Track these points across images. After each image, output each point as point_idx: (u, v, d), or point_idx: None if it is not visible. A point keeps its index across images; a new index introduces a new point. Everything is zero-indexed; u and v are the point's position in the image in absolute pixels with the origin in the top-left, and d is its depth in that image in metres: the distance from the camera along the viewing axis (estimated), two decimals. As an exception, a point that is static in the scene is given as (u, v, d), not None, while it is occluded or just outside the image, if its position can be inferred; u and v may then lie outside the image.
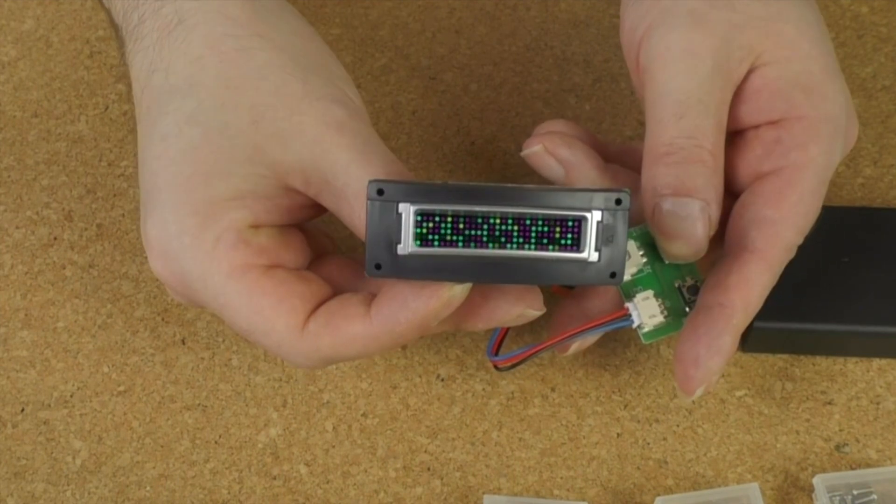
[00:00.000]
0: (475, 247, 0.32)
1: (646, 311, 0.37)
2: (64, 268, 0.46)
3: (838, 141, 0.37)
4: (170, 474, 0.42)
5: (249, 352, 0.44)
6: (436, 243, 0.32)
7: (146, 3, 0.37)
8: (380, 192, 0.32)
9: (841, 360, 0.44)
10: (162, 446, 0.42)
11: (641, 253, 0.38)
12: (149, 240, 0.35)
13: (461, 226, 0.32)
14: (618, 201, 0.32)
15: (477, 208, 0.32)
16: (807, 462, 0.42)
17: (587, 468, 0.42)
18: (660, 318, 0.37)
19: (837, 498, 0.40)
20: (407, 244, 0.32)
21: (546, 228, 0.32)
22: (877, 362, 0.44)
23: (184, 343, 0.45)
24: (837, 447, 0.42)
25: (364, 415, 0.43)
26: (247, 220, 0.35)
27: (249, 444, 0.42)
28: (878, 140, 0.49)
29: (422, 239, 0.32)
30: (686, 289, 0.38)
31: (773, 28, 0.37)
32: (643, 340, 0.38)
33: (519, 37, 0.53)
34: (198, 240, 0.34)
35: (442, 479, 0.42)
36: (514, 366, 0.39)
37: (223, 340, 0.44)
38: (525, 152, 0.40)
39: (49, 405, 0.43)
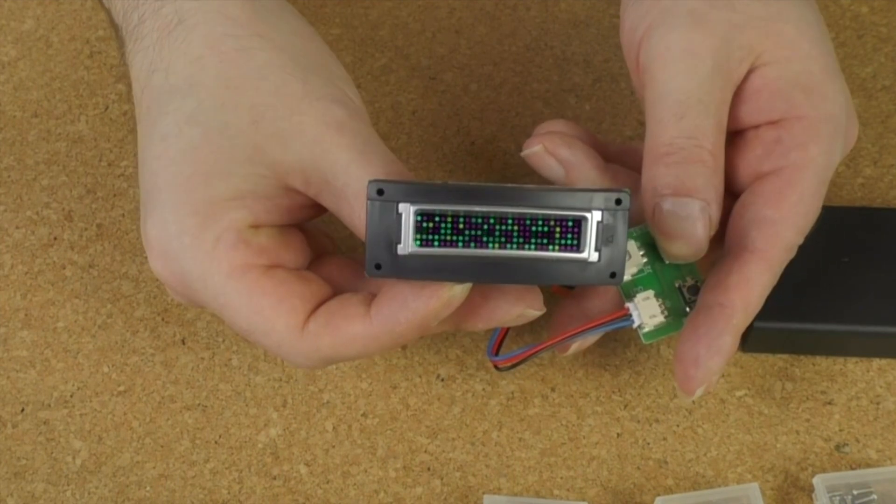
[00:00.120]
0: (475, 247, 0.32)
1: (646, 311, 0.37)
2: (64, 268, 0.46)
3: (838, 141, 0.37)
4: (170, 474, 0.42)
5: (249, 352, 0.44)
6: (436, 243, 0.32)
7: (146, 3, 0.37)
8: (380, 192, 0.32)
9: (841, 360, 0.44)
10: (162, 446, 0.42)
11: (642, 253, 0.38)
12: (149, 240, 0.35)
13: (461, 226, 0.32)
14: (618, 201, 0.32)
15: (477, 208, 0.32)
16: (807, 462, 0.42)
17: (587, 468, 0.42)
18: (660, 318, 0.37)
19: (837, 498, 0.40)
20: (407, 244, 0.32)
21: (546, 228, 0.32)
22: (877, 362, 0.44)
23: (184, 343, 0.45)
24: (837, 447, 0.42)
25: (364, 415, 0.43)
26: (247, 220, 0.35)
27: (249, 444, 0.42)
28: (878, 140, 0.49)
29: (422, 239, 0.32)
30: (686, 289, 0.38)
31: (773, 28, 0.37)
32: (643, 340, 0.38)
33: (519, 37, 0.53)
34: (198, 240, 0.34)
35: (442, 479, 0.42)
36: (514, 366, 0.39)
37: (223, 340, 0.44)
38: (525, 152, 0.40)
39: (49, 405, 0.43)
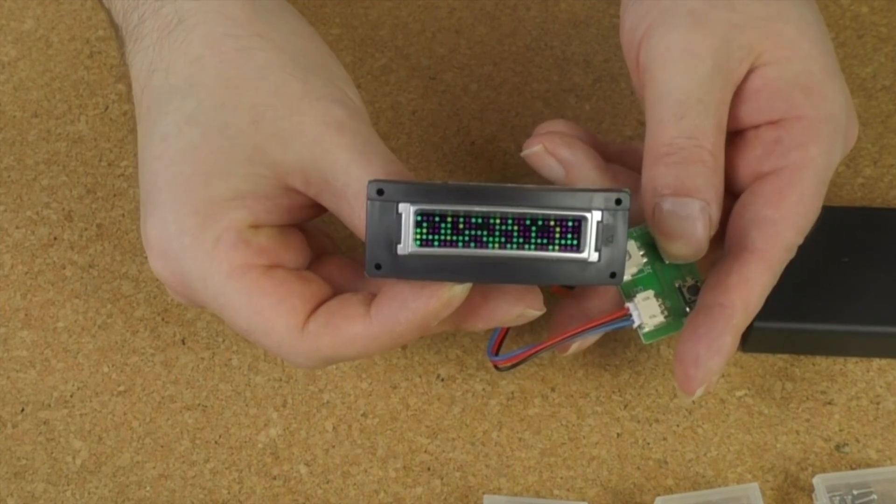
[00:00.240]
0: (475, 247, 0.32)
1: (646, 311, 0.37)
2: (64, 268, 0.46)
3: (838, 141, 0.37)
4: (170, 474, 0.42)
5: (249, 352, 0.44)
6: (436, 243, 0.32)
7: (146, 3, 0.37)
8: (380, 192, 0.32)
9: (841, 360, 0.44)
10: (162, 446, 0.42)
11: (642, 253, 0.38)
12: (149, 240, 0.35)
13: (461, 226, 0.32)
14: (618, 201, 0.32)
15: (477, 208, 0.32)
16: (807, 462, 0.42)
17: (587, 468, 0.42)
18: (660, 318, 0.37)
19: (837, 498, 0.40)
20: (407, 244, 0.32)
21: (546, 228, 0.32)
22: (877, 362, 0.44)
23: (184, 343, 0.45)
24: (837, 447, 0.42)
25: (364, 415, 0.43)
26: (247, 220, 0.35)
27: (249, 444, 0.42)
28: (878, 140, 0.49)
29: (422, 239, 0.32)
30: (686, 289, 0.38)
31: (773, 28, 0.37)
32: (643, 340, 0.38)
33: (519, 37, 0.53)
34: (198, 240, 0.34)
35: (442, 479, 0.42)
36: (514, 366, 0.39)
37: (223, 340, 0.44)
38: (525, 152, 0.40)
39: (49, 405, 0.43)
